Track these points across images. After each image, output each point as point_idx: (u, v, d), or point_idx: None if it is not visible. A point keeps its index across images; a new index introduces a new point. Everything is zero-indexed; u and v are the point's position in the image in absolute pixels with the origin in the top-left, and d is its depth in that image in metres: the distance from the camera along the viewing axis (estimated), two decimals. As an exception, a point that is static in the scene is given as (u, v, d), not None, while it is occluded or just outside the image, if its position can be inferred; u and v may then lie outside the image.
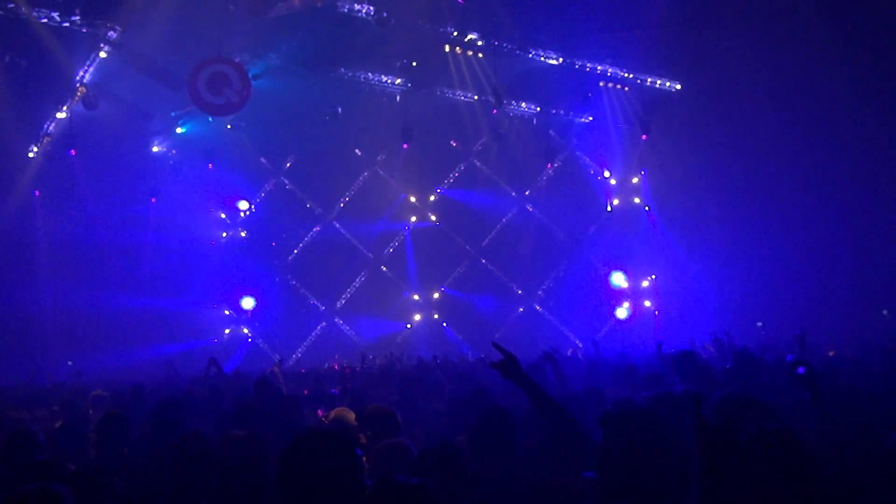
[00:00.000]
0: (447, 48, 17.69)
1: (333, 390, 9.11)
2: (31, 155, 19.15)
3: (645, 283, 25.94)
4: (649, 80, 21.22)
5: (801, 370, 3.97)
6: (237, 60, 15.39)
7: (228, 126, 20.00)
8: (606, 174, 26.69)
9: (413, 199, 25.57)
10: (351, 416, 4.88)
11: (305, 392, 9.47)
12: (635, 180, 25.98)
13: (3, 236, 18.89)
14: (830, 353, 10.31)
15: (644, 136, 22.02)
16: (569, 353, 16.39)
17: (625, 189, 26.33)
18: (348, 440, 2.85)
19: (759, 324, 21.00)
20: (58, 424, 6.05)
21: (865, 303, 19.08)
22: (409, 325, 24.83)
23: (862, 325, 17.17)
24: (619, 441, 2.84)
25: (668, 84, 21.51)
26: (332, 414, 4.89)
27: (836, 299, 18.93)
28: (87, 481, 3.54)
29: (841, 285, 19.23)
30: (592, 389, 5.97)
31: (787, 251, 20.48)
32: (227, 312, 23.64)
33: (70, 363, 18.73)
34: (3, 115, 16.11)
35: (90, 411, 7.93)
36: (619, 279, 25.17)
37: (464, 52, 17.90)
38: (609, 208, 26.61)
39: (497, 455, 3.78)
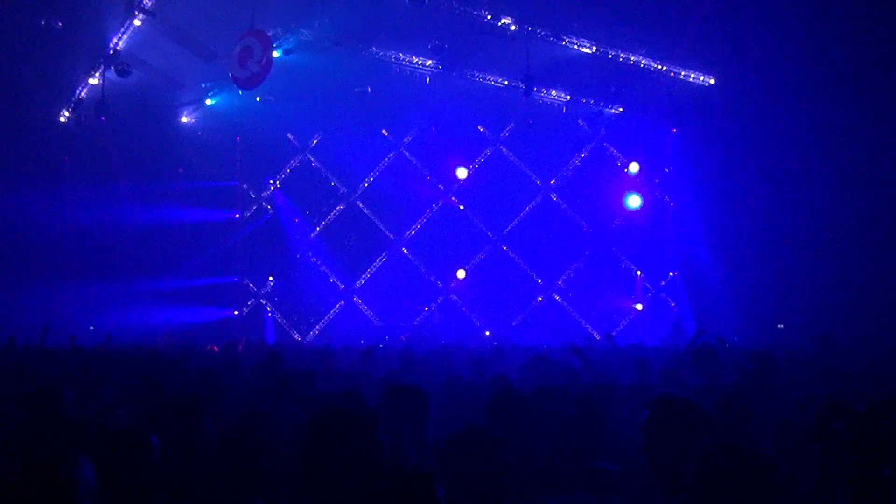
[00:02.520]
0: (480, 32, 17.55)
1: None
2: (62, 119, 19.34)
3: (665, 278, 25.76)
4: (682, 73, 20.92)
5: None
6: (268, 33, 15.33)
7: (258, 99, 20.03)
8: (634, 167, 26.45)
9: (438, 183, 25.53)
10: None
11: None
12: (663, 174, 25.72)
13: (33, 201, 19.13)
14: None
15: (674, 130, 21.77)
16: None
17: (652, 183, 26.08)
18: (367, 421, 2.88)
19: (780, 326, 20.77)
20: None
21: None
22: (427, 308, 24.85)
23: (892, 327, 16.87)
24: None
25: (701, 78, 21.20)
26: None
27: (868, 301, 18.59)
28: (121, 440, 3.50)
29: (874, 288, 18.88)
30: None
31: (819, 251, 20.15)
32: (250, 286, 23.84)
33: (92, 328, 19.00)
34: (36, 78, 16.28)
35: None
36: (634, 201, 24.48)
37: (496, 36, 17.73)
38: (635, 201, 26.36)
39: (516, 438, 3.77)
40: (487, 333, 23.22)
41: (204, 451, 3.66)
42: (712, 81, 21.32)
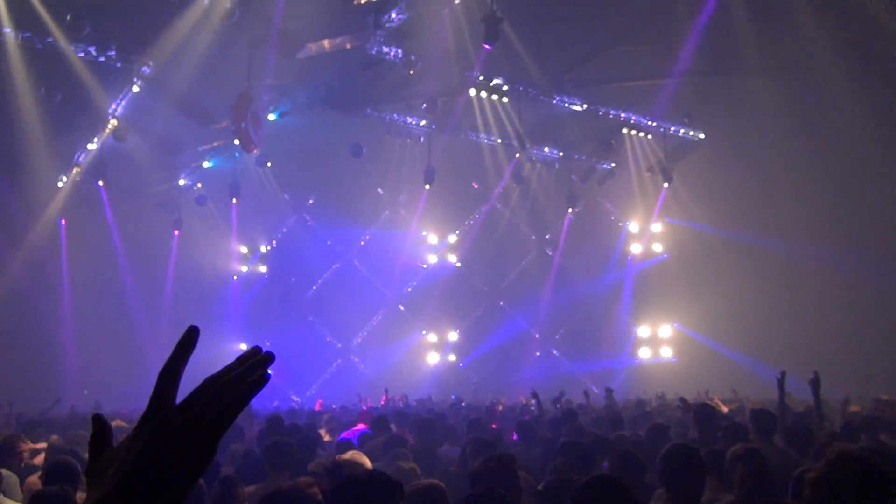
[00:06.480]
0: (472, 91, 17.89)
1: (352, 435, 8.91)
2: (59, 185, 19.51)
3: (664, 331, 25.72)
4: (672, 128, 21.29)
5: None
6: (251, 94, 15.53)
7: (254, 161, 20.25)
8: (628, 222, 26.68)
9: (433, 240, 25.67)
10: (365, 460, 4.75)
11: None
12: (657, 228, 25.91)
13: (29, 264, 19.17)
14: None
15: (666, 184, 22.03)
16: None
17: (646, 236, 26.27)
18: (391, 486, 2.90)
19: (779, 375, 20.62)
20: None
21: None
22: (424, 366, 24.73)
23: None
24: None
25: (691, 133, 21.56)
26: (348, 456, 4.77)
27: (861, 350, 18.62)
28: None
29: (868, 335, 18.93)
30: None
31: (811, 302, 20.24)
32: (243, 347, 23.69)
33: (86, 393, 18.81)
34: (36, 145, 16.48)
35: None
36: None
37: (489, 96, 18.09)
38: (629, 255, 26.53)
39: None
40: (475, 382, 23.06)
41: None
42: (702, 136, 21.68)
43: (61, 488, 3.78)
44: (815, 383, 6.59)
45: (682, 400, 9.32)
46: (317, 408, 16.46)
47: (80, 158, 18.78)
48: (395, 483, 3.04)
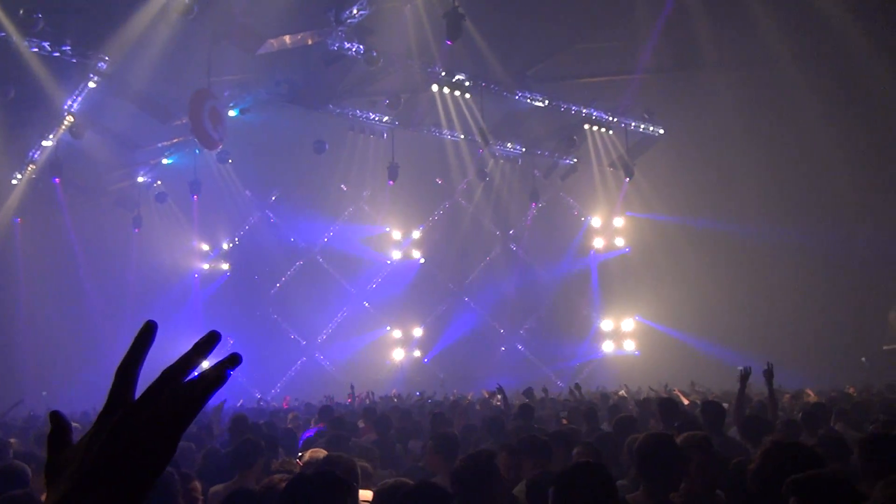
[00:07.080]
0: (435, 87, 17.86)
1: (308, 432, 8.85)
2: (14, 182, 19.05)
3: (627, 325, 26.01)
4: (633, 124, 21.51)
5: None
6: (206, 90, 15.32)
7: (215, 157, 20.00)
8: (591, 216, 26.93)
9: (397, 236, 25.64)
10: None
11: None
12: (619, 222, 26.18)
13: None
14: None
15: (627, 179, 22.29)
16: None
17: (608, 231, 26.54)
18: (339, 483, 2.95)
19: (741, 369, 21.01)
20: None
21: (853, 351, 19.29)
22: (389, 362, 24.70)
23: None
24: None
25: (651, 128, 21.82)
26: (308, 455, 4.80)
27: (817, 345, 19.07)
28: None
29: (822, 331, 19.39)
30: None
31: (770, 289, 20.68)
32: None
33: (44, 394, 18.45)
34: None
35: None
36: None
37: (451, 92, 18.09)
38: (592, 249, 26.79)
39: (479, 496, 3.77)
40: (442, 378, 23.16)
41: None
42: (661, 132, 21.95)
43: (25, 492, 3.72)
44: (769, 374, 6.71)
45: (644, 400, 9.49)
46: (284, 405, 16.38)
47: (36, 156, 18.36)
48: (344, 481, 3.08)
